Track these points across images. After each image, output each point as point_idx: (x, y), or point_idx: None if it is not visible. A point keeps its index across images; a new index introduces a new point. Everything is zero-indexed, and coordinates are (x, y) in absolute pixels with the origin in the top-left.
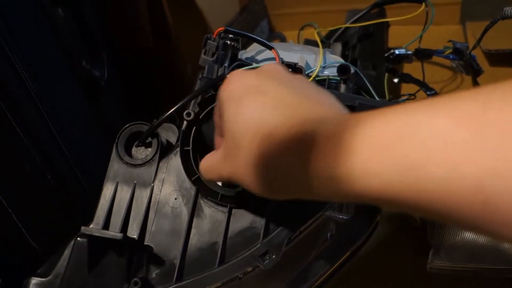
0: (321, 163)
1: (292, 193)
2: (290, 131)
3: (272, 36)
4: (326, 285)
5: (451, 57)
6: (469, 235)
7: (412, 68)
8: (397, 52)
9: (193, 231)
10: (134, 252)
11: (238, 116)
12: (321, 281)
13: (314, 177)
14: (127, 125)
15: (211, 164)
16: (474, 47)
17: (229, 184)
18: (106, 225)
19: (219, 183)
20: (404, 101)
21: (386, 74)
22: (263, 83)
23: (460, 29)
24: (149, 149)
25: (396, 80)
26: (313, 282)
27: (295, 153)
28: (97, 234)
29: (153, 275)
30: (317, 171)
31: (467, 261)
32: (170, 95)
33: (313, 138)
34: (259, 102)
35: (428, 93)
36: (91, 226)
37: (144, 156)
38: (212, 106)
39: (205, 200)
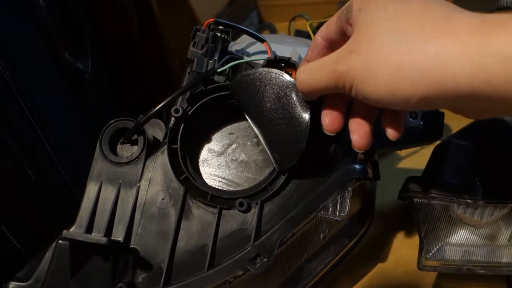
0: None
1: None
2: (464, 22)
3: (262, 27)
4: (318, 286)
5: None
6: (462, 233)
7: None
8: None
9: (181, 233)
10: (120, 256)
11: (395, 4)
12: (313, 283)
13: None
14: (112, 121)
15: (322, 62)
16: None
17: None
18: (89, 227)
19: (211, 183)
20: None
21: None
22: None
23: None
24: (135, 147)
25: None
26: (306, 284)
27: (478, 32)
28: (79, 239)
29: (140, 279)
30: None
31: (459, 259)
32: (158, 89)
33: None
34: None
35: None
36: (73, 228)
37: (129, 154)
38: (201, 102)
39: (194, 200)
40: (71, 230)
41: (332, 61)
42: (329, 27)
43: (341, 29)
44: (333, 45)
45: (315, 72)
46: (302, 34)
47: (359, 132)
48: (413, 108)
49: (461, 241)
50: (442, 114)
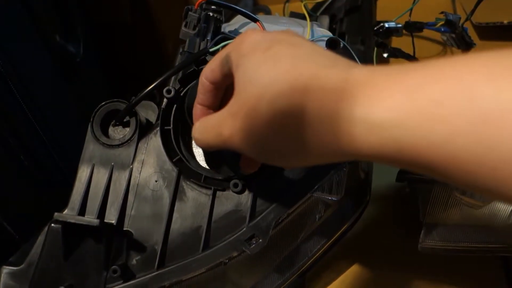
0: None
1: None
2: (331, 83)
3: (256, 9)
4: (315, 267)
5: (442, 29)
6: (461, 214)
7: (400, 43)
8: (386, 25)
9: (175, 215)
10: (113, 238)
11: (267, 64)
12: (309, 264)
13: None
14: (103, 103)
15: (210, 123)
16: (466, 19)
17: (214, 160)
18: (82, 210)
19: (205, 165)
20: None
21: (375, 49)
22: (292, 38)
23: (449, 1)
24: (127, 129)
25: (385, 55)
26: (302, 265)
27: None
28: (71, 221)
29: (134, 261)
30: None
31: (459, 240)
32: (152, 71)
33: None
34: (291, 52)
35: None
36: (66, 211)
37: (121, 136)
38: (193, 82)
39: (188, 182)
40: (64, 213)
41: (216, 123)
42: (214, 72)
43: (225, 76)
44: (221, 85)
45: (204, 132)
46: (297, 15)
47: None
48: None
49: (460, 222)
50: None
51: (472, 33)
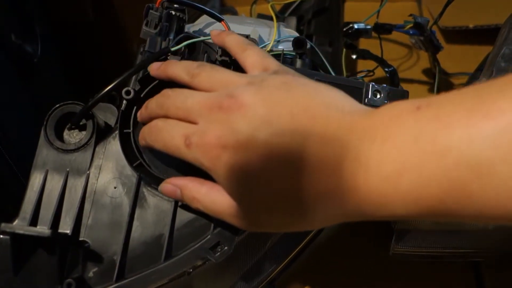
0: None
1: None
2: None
3: (222, 11)
4: (283, 274)
5: (411, 32)
6: (432, 220)
7: (368, 45)
8: (356, 26)
9: (135, 223)
10: (68, 250)
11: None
12: (278, 271)
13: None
14: (57, 105)
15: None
16: (434, 22)
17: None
18: (34, 220)
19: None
20: (362, 78)
21: (344, 50)
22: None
23: (416, 5)
24: (84, 132)
25: (354, 56)
26: (270, 273)
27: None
28: (20, 232)
29: (91, 274)
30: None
31: (430, 245)
32: (117, 71)
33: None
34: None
35: (386, 69)
36: (16, 221)
37: (77, 140)
38: (155, 83)
39: (149, 188)
40: (14, 223)
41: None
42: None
43: None
44: None
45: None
46: (264, 17)
47: None
48: None
49: (431, 227)
50: (407, 92)
51: (439, 37)
